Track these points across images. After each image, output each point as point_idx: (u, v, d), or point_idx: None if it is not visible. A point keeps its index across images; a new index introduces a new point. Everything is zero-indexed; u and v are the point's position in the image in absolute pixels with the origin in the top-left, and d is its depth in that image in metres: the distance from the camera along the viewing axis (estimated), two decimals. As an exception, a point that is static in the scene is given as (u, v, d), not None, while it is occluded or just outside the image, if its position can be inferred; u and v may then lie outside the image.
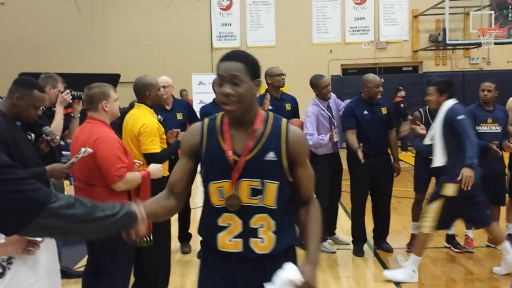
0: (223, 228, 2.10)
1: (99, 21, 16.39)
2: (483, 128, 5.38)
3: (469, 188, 4.36)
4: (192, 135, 2.16)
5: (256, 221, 2.08)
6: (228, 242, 2.10)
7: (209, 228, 2.15)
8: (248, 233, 2.09)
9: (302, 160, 2.14)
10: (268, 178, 2.05)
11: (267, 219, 2.08)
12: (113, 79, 10.91)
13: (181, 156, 2.19)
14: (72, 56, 15.77)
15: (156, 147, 4.10)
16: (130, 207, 1.83)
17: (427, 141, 4.88)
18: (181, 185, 2.18)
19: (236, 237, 2.09)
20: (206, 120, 2.16)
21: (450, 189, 4.54)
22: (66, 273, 4.83)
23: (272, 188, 2.05)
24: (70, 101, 4.60)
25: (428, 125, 5.43)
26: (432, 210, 4.61)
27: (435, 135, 4.68)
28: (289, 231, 2.18)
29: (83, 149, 3.27)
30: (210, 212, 2.13)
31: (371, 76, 5.42)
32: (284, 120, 2.15)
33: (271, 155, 2.05)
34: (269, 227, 2.09)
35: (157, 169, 3.81)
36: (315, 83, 5.56)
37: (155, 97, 4.26)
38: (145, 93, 4.21)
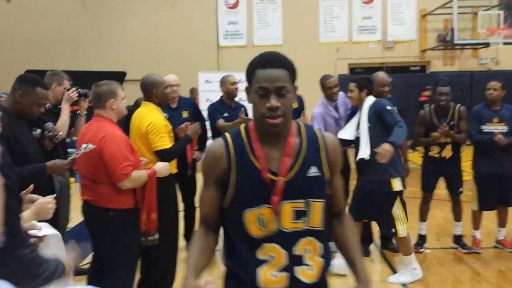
0: (264, 261, 1.81)
1: (105, 19, 16.40)
2: (488, 128, 5.33)
3: (383, 161, 4.22)
4: (217, 159, 1.84)
5: (301, 246, 1.82)
6: (272, 277, 1.81)
7: (245, 262, 1.84)
8: (293, 262, 1.82)
9: (338, 169, 1.93)
10: (313, 197, 1.81)
11: (312, 243, 1.84)
12: (119, 77, 10.94)
13: (207, 185, 1.89)
14: (78, 54, 15.79)
15: (165, 143, 4.10)
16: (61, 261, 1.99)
17: (344, 136, 4.80)
18: (216, 216, 1.90)
19: (281, 270, 1.81)
20: (229, 138, 1.86)
21: (397, 183, 4.56)
22: (71, 271, 4.82)
23: (318, 207, 1.82)
24: (76, 98, 4.59)
25: (431, 124, 5.40)
26: (399, 212, 4.60)
27: (361, 131, 4.61)
28: (330, 252, 1.93)
29: (83, 145, 3.27)
30: (245, 244, 1.83)
31: (379, 76, 5.35)
32: (316, 128, 1.94)
33: (313, 171, 1.81)
34: (316, 250, 1.85)
35: (163, 168, 3.80)
36: (322, 83, 5.53)
37: (161, 95, 4.25)
38: (151, 91, 4.20)
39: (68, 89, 4.56)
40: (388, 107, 4.50)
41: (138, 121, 4.16)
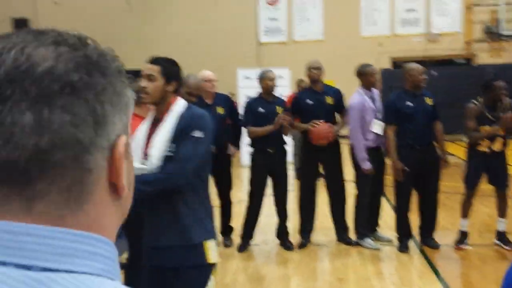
0: None
1: (147, 17, 16.69)
2: None
3: None
4: None
5: None
6: None
7: None
8: None
9: None
10: None
11: None
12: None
13: None
14: (122, 51, 15.81)
15: None
16: None
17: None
18: None
19: None
20: None
21: (213, 249, 3.80)
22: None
23: None
24: None
25: (482, 118, 5.19)
26: None
27: (155, 150, 2.64)
28: None
29: None
30: None
31: (413, 65, 5.31)
32: None
33: None
34: None
35: None
36: (363, 71, 5.48)
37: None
38: None
39: None
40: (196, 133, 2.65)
41: None
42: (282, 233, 5.59)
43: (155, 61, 2.83)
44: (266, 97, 5.50)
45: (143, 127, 2.86)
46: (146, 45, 16.45)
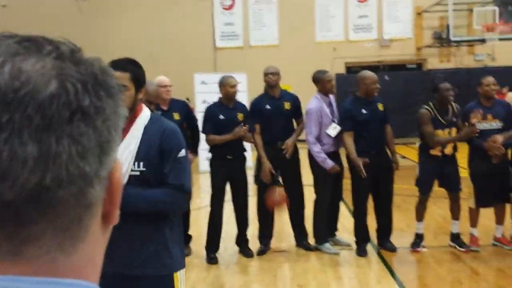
0: None
1: (101, 21, 16.37)
2: (483, 125, 5.27)
3: None
4: None
5: None
6: None
7: None
8: None
9: None
10: None
11: None
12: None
13: None
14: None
15: None
16: None
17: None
18: None
19: None
20: None
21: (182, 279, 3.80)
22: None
23: None
24: None
25: (435, 122, 5.30)
26: None
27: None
28: None
29: None
30: None
31: (368, 73, 5.38)
32: None
33: None
34: None
35: None
36: (319, 78, 5.51)
37: None
38: None
39: None
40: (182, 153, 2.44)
41: None
42: (241, 240, 5.55)
43: (122, 67, 2.42)
44: (227, 103, 5.42)
45: None
46: (99, 49, 16.13)
